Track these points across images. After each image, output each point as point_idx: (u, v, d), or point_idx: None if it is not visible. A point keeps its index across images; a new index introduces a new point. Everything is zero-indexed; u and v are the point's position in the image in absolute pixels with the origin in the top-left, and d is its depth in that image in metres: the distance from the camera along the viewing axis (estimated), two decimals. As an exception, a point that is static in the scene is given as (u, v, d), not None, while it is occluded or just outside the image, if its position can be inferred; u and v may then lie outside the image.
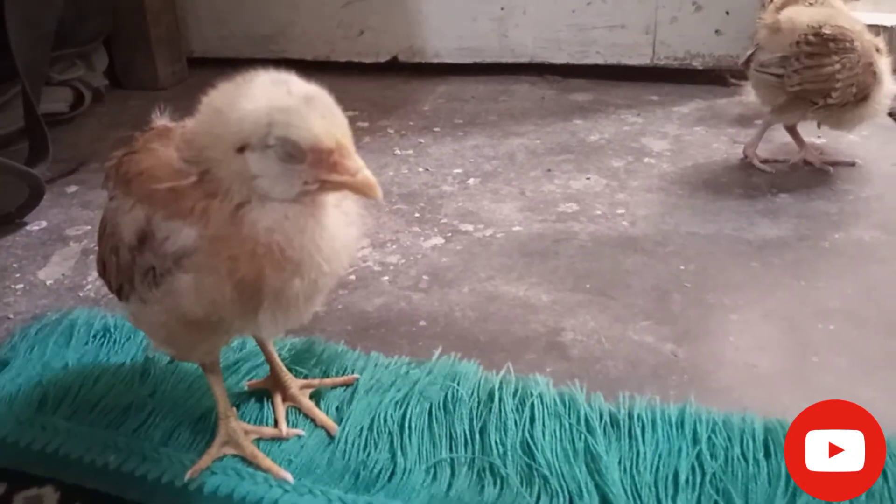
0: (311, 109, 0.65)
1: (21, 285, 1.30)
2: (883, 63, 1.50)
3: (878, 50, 1.50)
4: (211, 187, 0.69)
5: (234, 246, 0.68)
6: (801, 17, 1.51)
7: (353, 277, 1.27)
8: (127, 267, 0.76)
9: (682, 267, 1.27)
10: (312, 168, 0.67)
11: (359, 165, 0.67)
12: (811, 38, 1.47)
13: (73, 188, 1.67)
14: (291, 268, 0.70)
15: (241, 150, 0.67)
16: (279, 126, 0.65)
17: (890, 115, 1.86)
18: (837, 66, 1.45)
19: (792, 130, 1.63)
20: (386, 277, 1.29)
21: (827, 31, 1.46)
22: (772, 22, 1.53)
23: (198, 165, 0.70)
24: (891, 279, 1.21)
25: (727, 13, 2.06)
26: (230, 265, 0.68)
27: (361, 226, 0.79)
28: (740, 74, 2.00)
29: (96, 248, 0.89)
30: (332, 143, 0.65)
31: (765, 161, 1.62)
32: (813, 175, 1.58)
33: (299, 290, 0.71)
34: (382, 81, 2.31)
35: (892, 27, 2.10)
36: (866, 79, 1.47)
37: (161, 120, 0.83)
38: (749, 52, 1.62)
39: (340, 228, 0.74)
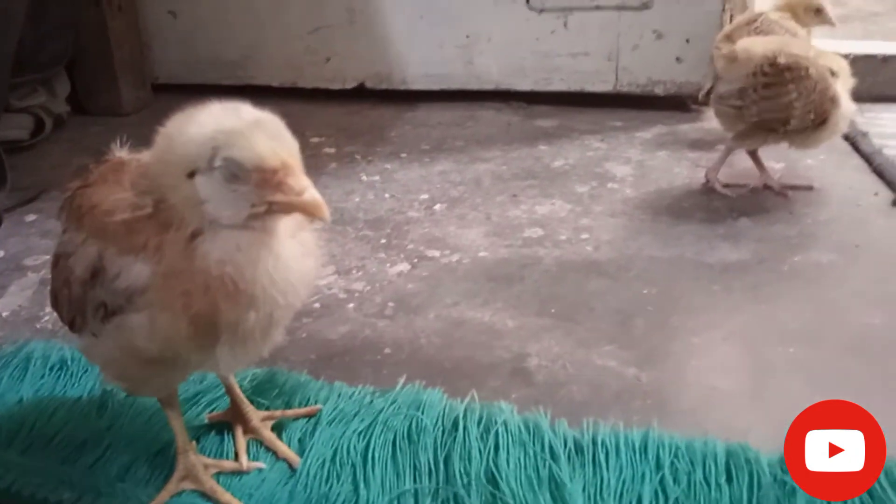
0: (258, 131, 0.65)
1: (-25, 317, 1.27)
2: (839, 85, 1.53)
3: (832, 73, 1.53)
4: (165, 217, 0.69)
5: (186, 281, 0.68)
6: (755, 47, 1.54)
7: (317, 305, 1.27)
8: (78, 300, 0.75)
9: (644, 291, 1.28)
10: (258, 188, 0.66)
11: (304, 185, 0.66)
12: (767, 68, 1.50)
13: (31, 217, 1.64)
14: (246, 300, 0.69)
15: (192, 175, 0.67)
16: (224, 147, 0.65)
17: (845, 138, 1.91)
18: (794, 95, 1.49)
19: (753, 155, 1.66)
20: (351, 304, 1.28)
21: (782, 61, 1.49)
22: (728, 52, 1.56)
23: (152, 195, 0.70)
24: (847, 301, 1.24)
25: (687, 41, 2.10)
26: (184, 301, 0.68)
27: (319, 256, 0.78)
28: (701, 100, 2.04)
29: (52, 278, 0.88)
30: (276, 162, 0.65)
31: (726, 185, 1.65)
32: (772, 199, 1.61)
33: (255, 324, 0.71)
34: (349, 108, 2.32)
35: (848, 55, 2.16)
36: (823, 104, 1.50)
37: (118, 152, 0.82)
38: (709, 85, 1.64)
39: (296, 259, 0.73)
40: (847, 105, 1.55)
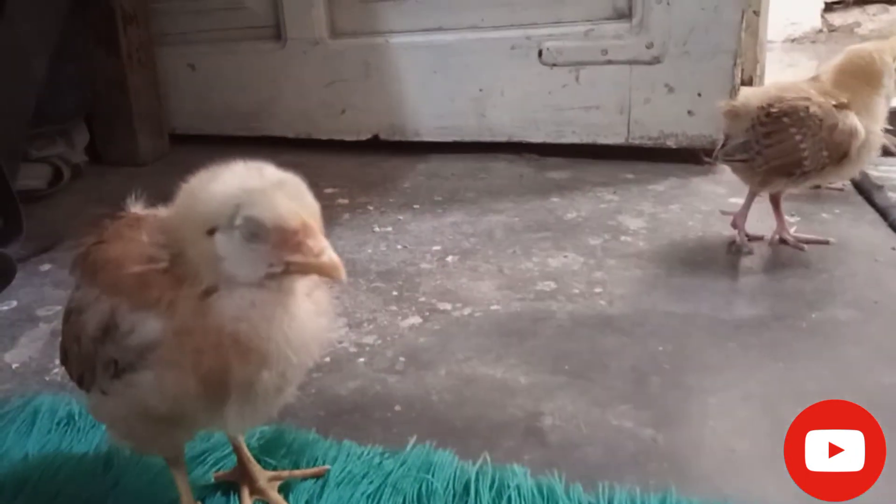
0: (279, 191, 0.66)
1: (-15, 369, 1.26)
2: (850, 116, 1.48)
3: (840, 106, 1.48)
4: (180, 271, 0.69)
5: (198, 338, 0.67)
6: (753, 100, 1.54)
7: (327, 359, 1.25)
8: (88, 357, 0.74)
9: (660, 348, 1.26)
10: (277, 249, 0.66)
11: (322, 246, 0.66)
12: (763, 118, 1.51)
13: (46, 266, 1.65)
14: (258, 359, 0.68)
15: (211, 232, 0.67)
16: (246, 206, 0.65)
17: (860, 192, 1.90)
18: (799, 137, 1.47)
19: (775, 204, 1.64)
20: (362, 359, 1.26)
21: (775, 110, 1.49)
22: (729, 109, 1.57)
23: (170, 249, 0.70)
24: (866, 358, 1.21)
25: (699, 94, 2.12)
26: (195, 358, 0.67)
27: (333, 316, 0.77)
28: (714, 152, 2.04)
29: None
30: (296, 223, 0.65)
31: (748, 238, 1.63)
32: (788, 253, 1.60)
33: (267, 383, 0.70)
34: (363, 159, 2.34)
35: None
36: (835, 139, 1.47)
37: (134, 207, 0.82)
38: (720, 145, 1.63)
39: (310, 318, 0.73)
40: (872, 127, 1.49)
